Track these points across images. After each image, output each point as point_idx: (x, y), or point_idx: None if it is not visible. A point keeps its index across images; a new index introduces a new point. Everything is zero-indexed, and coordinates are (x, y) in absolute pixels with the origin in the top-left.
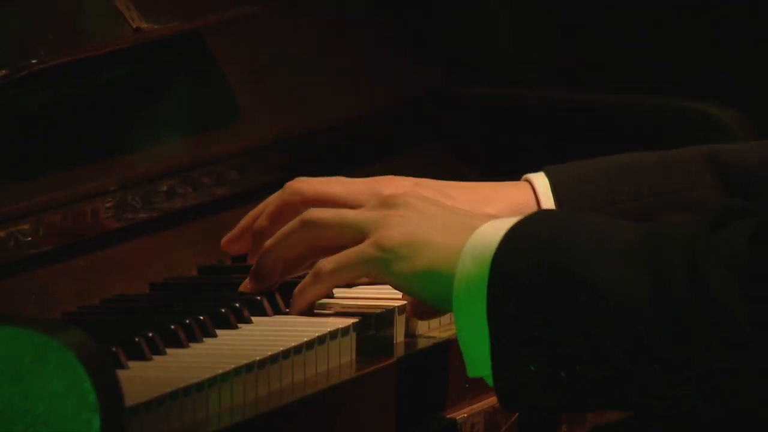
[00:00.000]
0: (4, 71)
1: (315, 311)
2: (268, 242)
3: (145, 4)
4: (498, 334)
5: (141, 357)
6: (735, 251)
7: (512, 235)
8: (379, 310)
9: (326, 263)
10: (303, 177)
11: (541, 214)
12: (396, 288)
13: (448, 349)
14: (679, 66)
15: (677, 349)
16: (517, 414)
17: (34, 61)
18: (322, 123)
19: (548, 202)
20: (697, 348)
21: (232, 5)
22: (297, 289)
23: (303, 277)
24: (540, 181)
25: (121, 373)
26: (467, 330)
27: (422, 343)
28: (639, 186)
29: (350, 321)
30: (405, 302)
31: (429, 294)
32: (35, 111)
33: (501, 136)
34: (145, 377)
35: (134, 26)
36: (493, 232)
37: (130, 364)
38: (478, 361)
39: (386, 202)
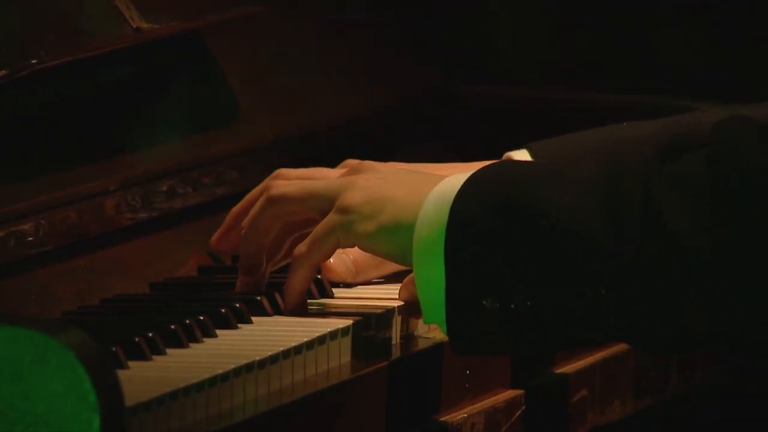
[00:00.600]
0: (4, 71)
1: (315, 311)
2: (243, 231)
3: (145, 4)
4: (454, 277)
5: (141, 357)
6: (688, 178)
7: (472, 181)
8: (378, 311)
9: (301, 247)
10: (284, 169)
11: (503, 162)
12: (365, 249)
13: (448, 349)
14: (679, 66)
15: (633, 278)
16: (517, 414)
17: (34, 61)
18: (322, 123)
19: None
20: (653, 277)
21: (232, 5)
22: (285, 284)
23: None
24: (522, 158)
25: (121, 373)
26: (425, 276)
27: (421, 344)
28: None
29: (350, 321)
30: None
31: (394, 248)
32: (35, 111)
33: (501, 136)
34: (145, 377)
35: (134, 26)
36: (456, 181)
37: (130, 364)
38: (435, 308)
39: (351, 170)
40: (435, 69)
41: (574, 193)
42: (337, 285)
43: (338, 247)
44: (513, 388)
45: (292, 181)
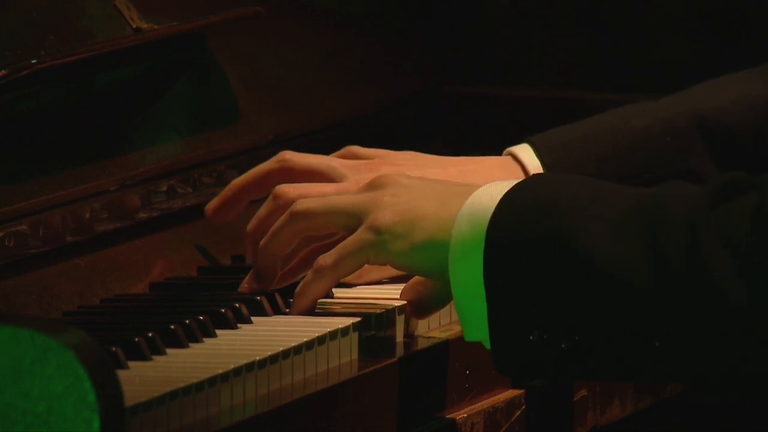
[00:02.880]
0: (4, 71)
1: (315, 311)
2: (262, 240)
3: (145, 4)
4: (495, 301)
5: (141, 357)
6: (735, 229)
7: (508, 200)
8: (379, 310)
9: (327, 258)
10: (288, 152)
11: (538, 177)
12: (399, 268)
13: (448, 349)
14: (679, 66)
15: (675, 326)
16: (517, 414)
17: (34, 61)
18: (322, 122)
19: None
20: (695, 326)
21: (232, 5)
22: (299, 288)
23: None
24: (528, 159)
25: (121, 373)
26: (464, 294)
27: (422, 343)
28: (634, 163)
29: (350, 321)
30: (405, 302)
31: (430, 266)
32: (35, 111)
33: (501, 135)
34: (145, 377)
35: (134, 26)
36: (488, 195)
37: (130, 364)
38: (476, 326)
39: (373, 184)
40: (435, 68)
41: (616, 231)
42: (338, 285)
43: (367, 264)
44: (513, 387)
45: (315, 197)
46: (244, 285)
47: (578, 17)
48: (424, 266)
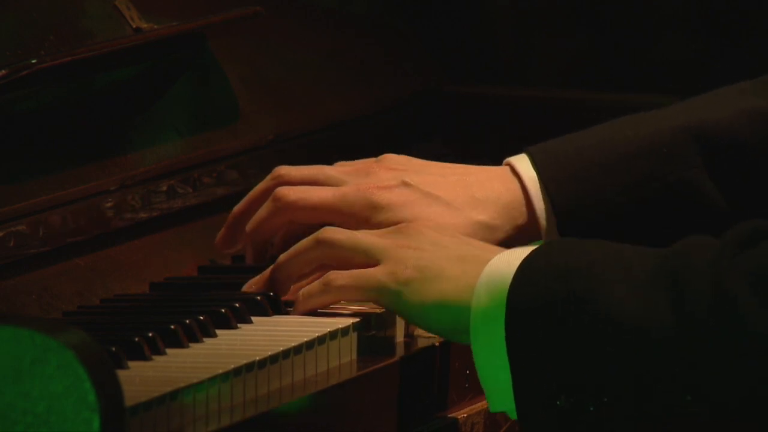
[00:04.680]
0: (4, 71)
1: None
2: (283, 256)
3: (145, 4)
4: (519, 369)
5: (141, 357)
6: (761, 270)
7: (526, 268)
8: (379, 310)
9: (338, 277)
10: (284, 167)
11: (554, 244)
12: (406, 319)
13: (448, 349)
14: (679, 66)
15: (707, 377)
16: None
17: (34, 61)
18: (322, 122)
19: (540, 208)
20: (729, 373)
21: (232, 5)
22: (303, 292)
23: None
24: (525, 171)
25: (121, 373)
26: (487, 365)
27: (422, 343)
28: (632, 175)
29: (350, 321)
30: None
31: (440, 325)
32: (35, 111)
33: (501, 135)
34: (145, 377)
35: (134, 26)
36: (506, 264)
37: (130, 364)
38: (500, 396)
39: (400, 230)
40: (435, 68)
41: (638, 290)
42: None
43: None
44: None
45: (342, 229)
46: (252, 286)
47: (578, 17)
48: (433, 324)
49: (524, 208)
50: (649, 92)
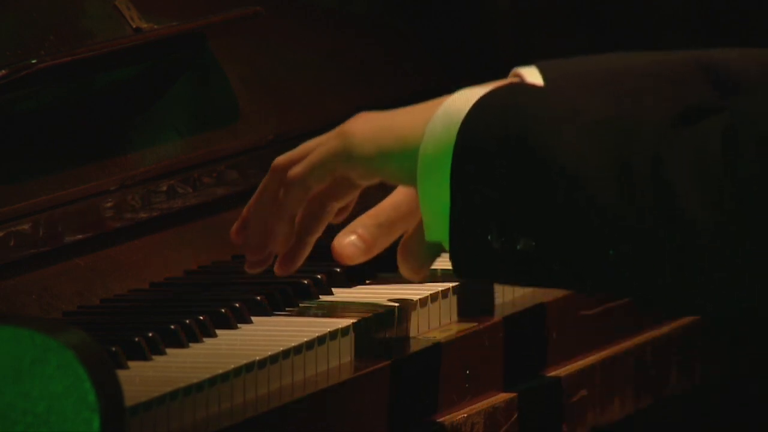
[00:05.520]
0: (4, 71)
1: (316, 312)
2: (246, 207)
3: (145, 4)
4: (458, 200)
5: (141, 357)
6: (700, 153)
7: (481, 104)
8: (379, 311)
9: (295, 168)
10: (278, 158)
11: (515, 84)
12: (365, 173)
13: (448, 349)
14: None
15: (632, 239)
16: (517, 414)
17: (34, 61)
18: (323, 122)
19: None
20: (653, 243)
21: (232, 5)
22: (273, 209)
23: (309, 278)
24: (529, 73)
25: (121, 373)
26: (430, 192)
27: (421, 344)
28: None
29: (350, 321)
30: (404, 304)
31: (397, 170)
32: (35, 111)
33: None
34: (145, 377)
35: (134, 26)
36: (464, 99)
37: (130, 364)
38: (438, 225)
39: (346, 121)
40: (435, 68)
41: (584, 142)
42: (338, 284)
43: (335, 177)
44: (505, 391)
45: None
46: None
47: (578, 17)
48: (393, 171)
49: None
50: None
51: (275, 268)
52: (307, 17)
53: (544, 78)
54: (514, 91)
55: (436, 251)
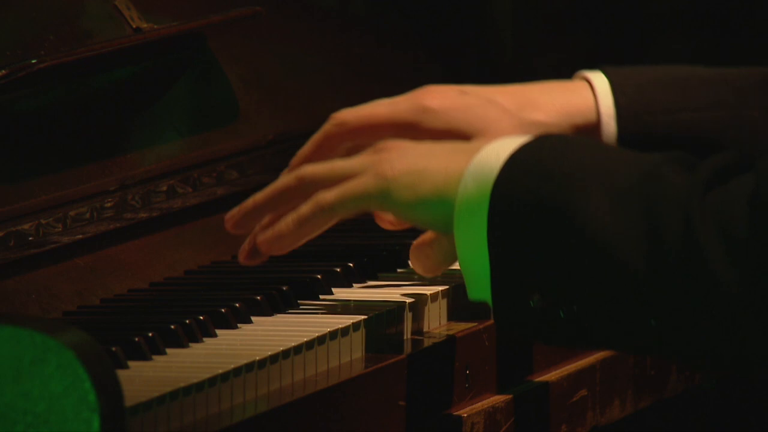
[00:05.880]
0: (4, 71)
1: (316, 311)
2: (260, 193)
3: (145, 4)
4: (497, 263)
5: (141, 357)
6: (730, 214)
7: (512, 163)
8: (379, 311)
9: (327, 194)
10: (346, 108)
11: (544, 139)
12: (399, 217)
13: (448, 349)
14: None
15: (669, 308)
16: (516, 415)
17: (34, 61)
18: (322, 123)
19: (607, 105)
20: (688, 309)
21: (232, 5)
22: (292, 219)
23: (309, 278)
24: (599, 81)
25: (121, 373)
26: (468, 253)
27: (422, 344)
28: (698, 98)
29: (350, 321)
30: (413, 299)
31: (434, 219)
32: (35, 111)
33: None
34: (145, 377)
35: (134, 26)
36: (495, 155)
37: (130, 364)
38: (479, 284)
39: (378, 148)
40: (435, 68)
41: (614, 206)
42: (337, 285)
43: (366, 211)
44: (501, 393)
45: (319, 163)
46: (228, 221)
47: (578, 17)
48: (428, 219)
49: (587, 110)
50: None
51: (240, 257)
52: (307, 17)
53: (611, 85)
54: (542, 147)
55: (454, 257)
